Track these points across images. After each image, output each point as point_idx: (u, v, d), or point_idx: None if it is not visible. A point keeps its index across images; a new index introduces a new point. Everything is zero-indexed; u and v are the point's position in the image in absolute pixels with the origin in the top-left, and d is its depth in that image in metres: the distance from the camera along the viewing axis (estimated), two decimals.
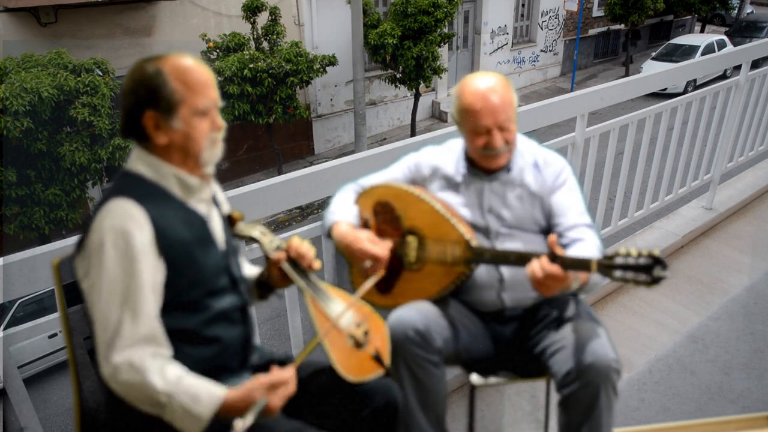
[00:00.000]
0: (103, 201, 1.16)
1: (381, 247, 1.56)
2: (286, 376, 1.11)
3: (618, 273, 1.27)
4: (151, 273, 1.14)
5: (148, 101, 1.17)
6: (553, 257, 1.34)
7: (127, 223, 1.12)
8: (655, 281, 1.23)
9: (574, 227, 1.59)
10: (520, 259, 1.44)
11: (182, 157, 1.21)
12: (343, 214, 1.67)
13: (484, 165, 1.62)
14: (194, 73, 1.18)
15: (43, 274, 1.45)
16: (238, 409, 1.09)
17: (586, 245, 1.54)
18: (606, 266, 1.29)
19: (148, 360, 1.09)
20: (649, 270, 1.24)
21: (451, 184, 1.68)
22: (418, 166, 1.74)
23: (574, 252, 1.51)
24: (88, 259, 1.13)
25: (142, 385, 1.07)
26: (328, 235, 1.67)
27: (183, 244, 1.19)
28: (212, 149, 1.23)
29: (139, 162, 1.22)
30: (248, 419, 1.04)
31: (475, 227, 1.64)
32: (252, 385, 1.10)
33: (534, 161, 1.66)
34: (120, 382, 1.09)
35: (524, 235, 1.64)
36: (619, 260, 1.27)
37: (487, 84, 1.52)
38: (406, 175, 1.75)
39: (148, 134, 1.19)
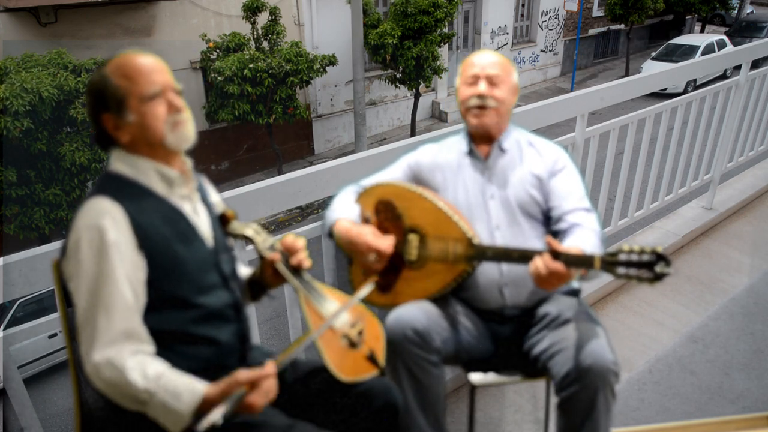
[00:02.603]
0: (83, 202, 1.17)
1: (385, 242, 1.58)
2: (266, 372, 1.08)
3: (621, 270, 1.28)
4: (129, 268, 1.13)
5: (100, 106, 1.20)
6: (556, 255, 1.35)
7: (100, 220, 1.12)
8: (658, 278, 1.24)
9: (573, 211, 1.60)
10: (523, 256, 1.44)
11: (149, 149, 1.22)
12: (345, 212, 1.67)
13: (472, 119, 1.65)
14: (132, 64, 1.19)
15: (43, 274, 1.45)
16: (218, 402, 1.07)
17: (585, 232, 1.54)
18: (609, 263, 1.29)
19: (127, 357, 1.09)
20: (652, 266, 1.24)
21: (452, 173, 1.70)
22: (419, 163, 1.75)
23: (572, 239, 1.52)
24: (69, 260, 1.14)
25: (123, 383, 1.07)
26: (329, 234, 1.68)
27: (162, 239, 1.19)
28: (176, 132, 1.21)
29: (118, 161, 1.23)
30: (220, 411, 1.01)
31: (477, 214, 1.65)
32: (231, 379, 1.07)
33: (530, 144, 1.72)
34: (102, 380, 1.08)
35: (526, 221, 1.64)
36: (622, 257, 1.28)
37: (488, 52, 1.71)
38: (406, 174, 1.76)
39: (113, 137, 1.21)
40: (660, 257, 1.24)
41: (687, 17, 18.12)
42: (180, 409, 1.06)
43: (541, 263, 1.36)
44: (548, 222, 1.66)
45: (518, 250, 1.47)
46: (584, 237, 1.52)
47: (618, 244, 1.42)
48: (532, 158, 1.68)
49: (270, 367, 1.09)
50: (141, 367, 1.08)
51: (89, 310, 1.11)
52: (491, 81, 1.62)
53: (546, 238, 1.38)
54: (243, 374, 1.07)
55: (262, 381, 1.07)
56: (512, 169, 1.67)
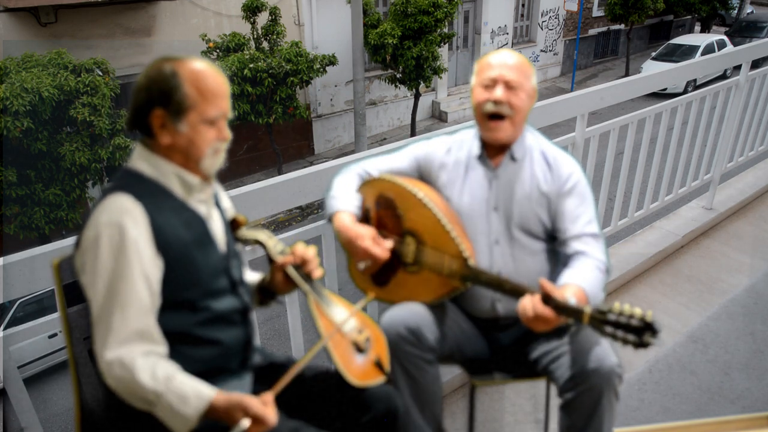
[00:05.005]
0: (102, 197, 1.17)
1: (382, 249, 1.54)
2: (270, 417, 1.08)
3: (608, 329, 1.25)
4: (146, 268, 1.13)
5: (158, 100, 1.17)
6: (547, 299, 1.32)
7: (122, 218, 1.12)
8: (643, 345, 1.22)
9: (579, 237, 1.55)
10: (515, 290, 1.42)
11: (183, 159, 1.22)
12: (346, 202, 1.63)
13: (486, 132, 1.58)
14: (210, 82, 1.19)
15: (43, 274, 1.45)
16: (223, 414, 1.08)
17: (588, 266, 1.50)
18: (598, 320, 1.27)
19: (139, 358, 1.09)
20: (640, 333, 1.22)
21: (458, 175, 1.65)
22: (427, 158, 1.70)
23: (573, 274, 1.48)
24: (85, 254, 1.14)
25: (132, 382, 1.08)
26: (329, 219, 1.65)
27: (180, 243, 1.19)
28: (214, 158, 1.23)
29: (141, 160, 1.22)
30: None
31: (478, 224, 1.61)
32: (241, 400, 1.08)
33: (543, 155, 1.63)
34: (112, 378, 1.09)
35: (526, 238, 1.60)
36: (611, 317, 1.25)
37: (507, 51, 1.60)
38: (412, 165, 1.71)
39: (153, 132, 1.19)
40: (648, 326, 1.21)
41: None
42: (186, 413, 1.07)
43: (530, 305, 1.34)
44: (553, 239, 1.62)
45: (511, 283, 1.45)
46: (585, 273, 1.48)
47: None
48: (543, 173, 1.61)
49: (273, 414, 1.09)
50: (151, 368, 1.09)
51: (105, 307, 1.11)
52: (509, 86, 1.53)
53: (540, 280, 1.35)
54: (253, 406, 1.07)
55: (263, 423, 1.07)
56: (520, 182, 1.60)
